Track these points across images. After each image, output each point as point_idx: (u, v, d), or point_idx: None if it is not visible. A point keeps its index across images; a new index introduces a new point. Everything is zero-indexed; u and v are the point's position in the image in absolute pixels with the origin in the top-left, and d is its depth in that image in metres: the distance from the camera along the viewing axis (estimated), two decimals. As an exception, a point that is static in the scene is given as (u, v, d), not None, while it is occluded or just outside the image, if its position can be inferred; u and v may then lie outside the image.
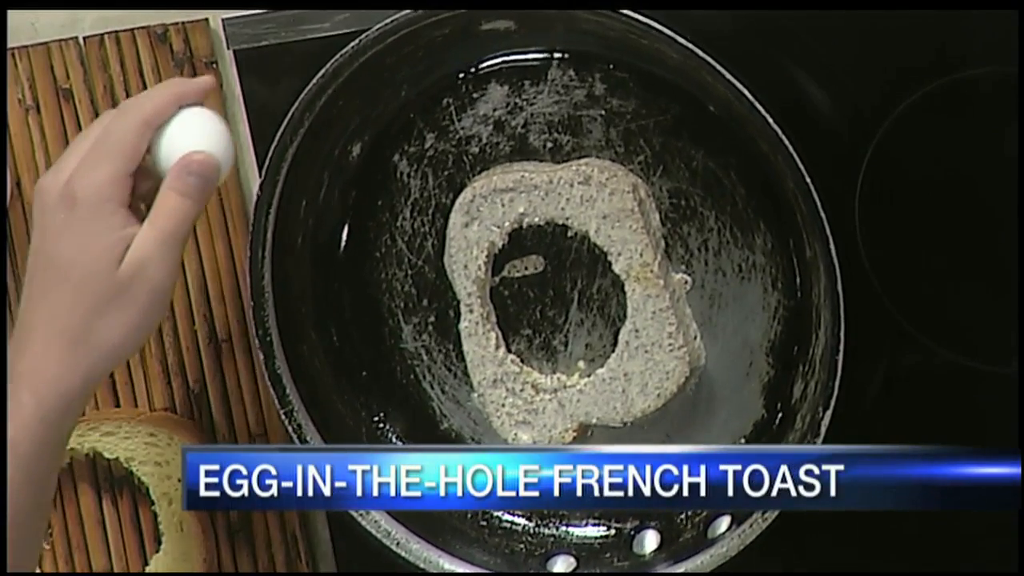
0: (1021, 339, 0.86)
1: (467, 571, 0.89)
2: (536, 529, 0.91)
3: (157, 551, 0.93)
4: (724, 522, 0.86)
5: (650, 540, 0.89)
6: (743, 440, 0.88)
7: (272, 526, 0.94)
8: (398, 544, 0.89)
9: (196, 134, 0.79)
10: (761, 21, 0.87)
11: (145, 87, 0.93)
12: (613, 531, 0.90)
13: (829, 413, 0.81)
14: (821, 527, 0.90)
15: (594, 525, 0.91)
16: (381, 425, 0.92)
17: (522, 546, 0.91)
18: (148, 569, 0.92)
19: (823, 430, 0.82)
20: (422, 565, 0.89)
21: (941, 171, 0.88)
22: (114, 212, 0.76)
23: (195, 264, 0.94)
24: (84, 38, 0.93)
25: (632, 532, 0.90)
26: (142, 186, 0.79)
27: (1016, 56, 0.85)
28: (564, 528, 0.91)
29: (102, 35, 0.93)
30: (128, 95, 0.93)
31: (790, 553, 0.90)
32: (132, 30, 0.93)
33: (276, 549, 0.94)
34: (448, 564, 0.89)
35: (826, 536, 0.90)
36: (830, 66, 0.88)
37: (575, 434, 0.88)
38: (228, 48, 0.92)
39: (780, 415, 0.87)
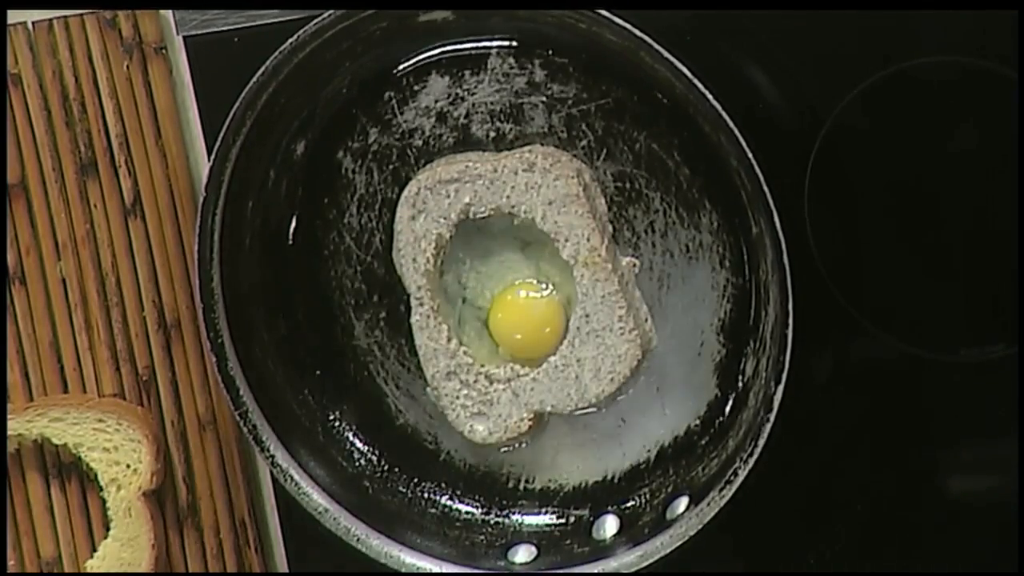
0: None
1: (428, 565, 0.89)
2: (495, 520, 0.91)
3: (105, 537, 0.92)
4: (682, 503, 0.86)
5: (610, 525, 0.89)
6: (698, 421, 0.88)
7: (221, 512, 0.93)
8: (358, 540, 0.88)
9: None
10: (718, 19, 0.88)
11: (94, 73, 0.92)
12: (572, 518, 0.90)
13: (781, 388, 0.82)
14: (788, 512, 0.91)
15: (552, 514, 0.91)
16: (336, 423, 0.92)
17: (482, 537, 0.90)
18: (96, 554, 0.92)
19: (775, 405, 0.82)
20: (383, 560, 0.88)
21: (890, 159, 0.88)
22: None
23: (144, 250, 0.93)
24: (33, 23, 0.93)
25: (591, 518, 0.89)
26: None
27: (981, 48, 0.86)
28: (522, 517, 0.91)
29: (51, 20, 0.93)
30: (77, 81, 0.92)
31: (750, 531, 0.90)
32: (81, 15, 0.92)
33: (225, 535, 0.93)
34: (408, 558, 0.89)
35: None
36: (783, 59, 0.88)
37: (531, 423, 0.88)
38: (177, 34, 0.92)
39: (733, 394, 0.87)
